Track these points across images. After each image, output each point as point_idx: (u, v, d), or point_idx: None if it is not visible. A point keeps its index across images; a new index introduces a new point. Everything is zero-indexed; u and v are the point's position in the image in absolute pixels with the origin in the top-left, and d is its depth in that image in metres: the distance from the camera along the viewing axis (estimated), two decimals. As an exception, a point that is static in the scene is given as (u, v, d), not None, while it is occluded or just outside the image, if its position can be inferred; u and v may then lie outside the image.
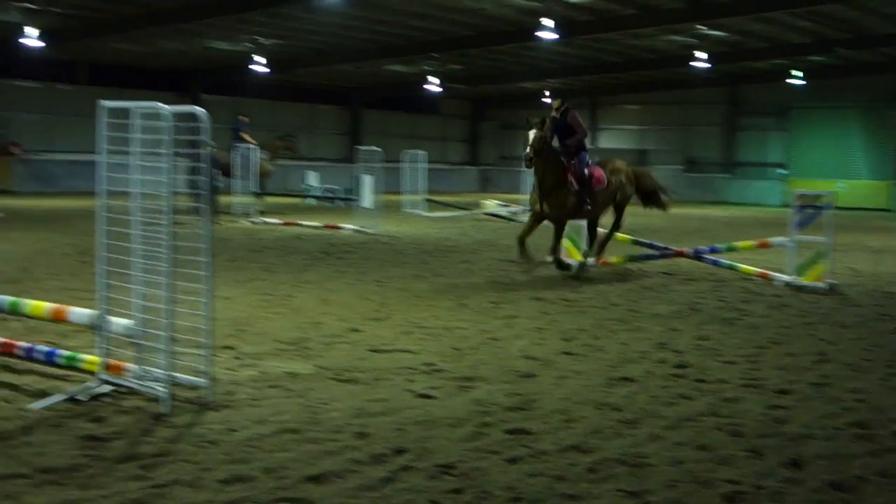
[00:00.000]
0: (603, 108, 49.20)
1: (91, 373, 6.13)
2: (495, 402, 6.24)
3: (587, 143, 12.98)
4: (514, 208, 25.29)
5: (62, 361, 6.35)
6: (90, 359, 6.13)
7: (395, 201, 26.23)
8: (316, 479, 4.69)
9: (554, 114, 12.56)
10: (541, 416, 5.92)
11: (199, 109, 6.11)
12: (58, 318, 6.40)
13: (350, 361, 7.30)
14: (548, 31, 27.05)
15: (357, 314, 9.41)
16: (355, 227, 19.71)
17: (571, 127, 12.52)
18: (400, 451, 5.14)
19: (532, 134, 11.96)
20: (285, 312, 9.40)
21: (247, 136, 24.36)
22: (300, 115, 43.60)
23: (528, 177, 26.53)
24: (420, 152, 27.28)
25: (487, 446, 5.30)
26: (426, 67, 38.94)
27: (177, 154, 6.28)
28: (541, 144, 11.95)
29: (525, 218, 23.93)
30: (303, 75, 40.35)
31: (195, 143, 6.99)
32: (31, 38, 28.07)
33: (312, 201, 30.03)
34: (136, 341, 5.91)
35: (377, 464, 4.95)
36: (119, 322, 5.92)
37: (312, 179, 32.89)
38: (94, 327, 6.04)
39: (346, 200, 26.43)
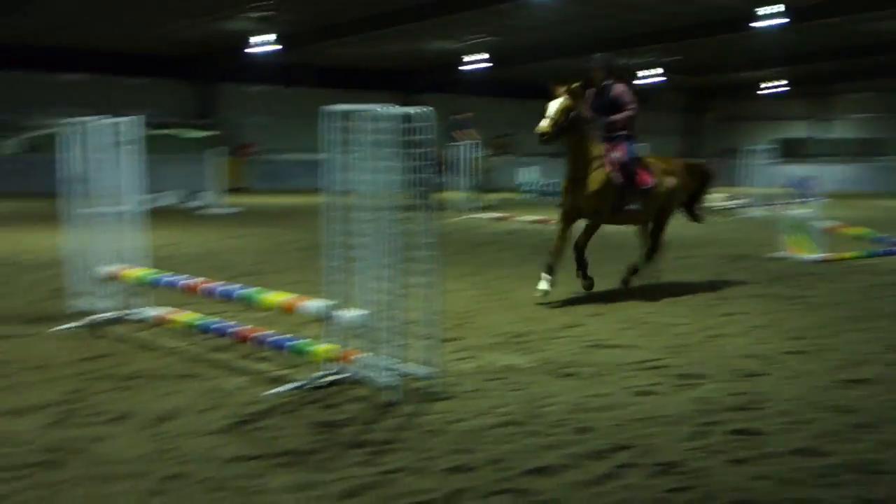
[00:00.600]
0: (833, 96, 46.99)
1: (323, 362, 6.43)
2: (718, 400, 6.10)
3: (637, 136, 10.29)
4: (738, 201, 24.60)
5: (296, 350, 6.69)
6: (322, 348, 6.43)
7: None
8: (537, 471, 4.75)
9: (594, 86, 10.00)
10: (767, 417, 5.74)
11: (421, 109, 6.28)
12: (291, 310, 6.74)
13: (570, 356, 7.32)
14: (774, 18, 26.00)
15: (577, 308, 9.41)
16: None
17: (617, 101, 9.91)
18: (621, 448, 5.12)
19: (554, 104, 9.32)
20: (505, 306, 9.51)
21: (467, 133, 24.76)
22: (516, 110, 43.88)
23: (747, 169, 25.83)
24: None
25: (711, 446, 5.19)
26: (641, 60, 38.34)
27: (400, 152, 6.49)
28: (565, 117, 9.30)
29: (752, 212, 23.37)
30: (519, 71, 40.64)
31: (418, 142, 7.19)
32: (263, 44, 29.68)
33: (530, 196, 30.20)
34: (364, 332, 6.14)
35: (598, 459, 4.95)
36: (348, 314, 6.17)
37: (530, 175, 33.09)
38: (325, 319, 6.33)
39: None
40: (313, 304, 6.48)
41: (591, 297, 10.09)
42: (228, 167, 28.37)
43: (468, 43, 33.29)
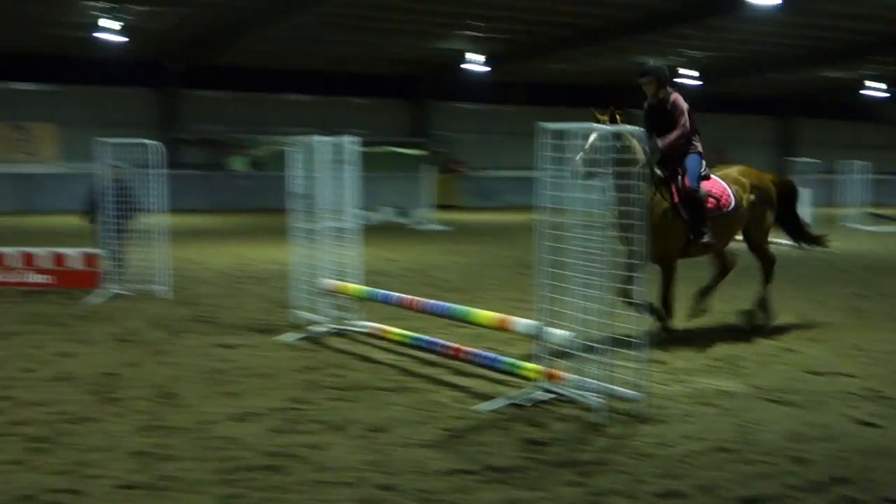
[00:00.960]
0: None
1: (531, 380, 6.48)
2: (949, 435, 5.75)
3: (698, 143, 8.60)
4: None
5: (504, 367, 6.77)
6: (531, 367, 6.48)
7: (834, 215, 24.87)
8: (751, 501, 4.62)
9: (650, 100, 8.63)
10: None
11: (631, 128, 6.26)
12: (502, 328, 6.83)
13: (785, 382, 7.06)
14: None
15: (792, 333, 9.06)
16: (791, 243, 18.89)
17: (673, 116, 8.42)
18: (841, 481, 4.90)
19: (592, 136, 7.17)
20: (716, 328, 9.25)
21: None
22: (729, 126, 42.75)
23: None
24: (859, 163, 25.69)
25: (941, 484, 4.89)
26: (865, 71, 36.46)
27: (611, 172, 6.46)
28: (601, 152, 7.13)
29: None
30: (732, 86, 39.54)
31: (630, 161, 7.14)
32: (476, 63, 30.31)
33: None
34: (574, 352, 6.14)
35: (816, 491, 4.76)
36: (558, 333, 6.20)
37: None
38: (535, 337, 6.37)
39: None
40: (524, 323, 6.54)
41: (808, 322, 9.66)
42: (440, 184, 29.04)
43: (677, 58, 32.69)
